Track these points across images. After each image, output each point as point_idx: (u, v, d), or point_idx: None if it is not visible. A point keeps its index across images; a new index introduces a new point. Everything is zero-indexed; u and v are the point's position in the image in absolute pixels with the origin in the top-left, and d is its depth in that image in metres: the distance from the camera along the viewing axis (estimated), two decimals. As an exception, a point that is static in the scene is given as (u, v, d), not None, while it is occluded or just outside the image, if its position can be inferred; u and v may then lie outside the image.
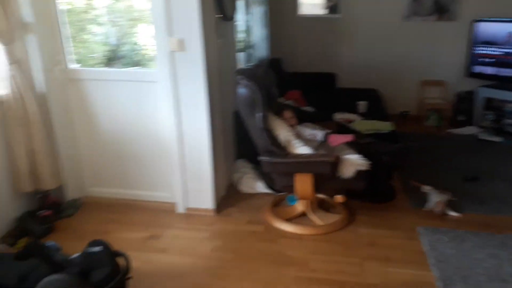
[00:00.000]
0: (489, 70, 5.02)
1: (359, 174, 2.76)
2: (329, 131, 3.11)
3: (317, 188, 2.91)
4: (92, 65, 3.36)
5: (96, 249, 2.07)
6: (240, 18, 4.27)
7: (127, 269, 2.08)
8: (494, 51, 4.94)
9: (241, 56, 4.23)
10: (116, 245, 2.57)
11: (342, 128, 3.74)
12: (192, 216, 3.11)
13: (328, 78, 5.45)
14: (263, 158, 2.82)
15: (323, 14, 5.51)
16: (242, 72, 2.80)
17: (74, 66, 3.10)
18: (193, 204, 3.13)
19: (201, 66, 2.78)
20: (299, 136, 2.91)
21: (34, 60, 2.87)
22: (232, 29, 3.63)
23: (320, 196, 3.26)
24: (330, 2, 5.43)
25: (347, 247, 2.71)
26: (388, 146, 3.34)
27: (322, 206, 3.13)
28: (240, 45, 4.21)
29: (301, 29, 5.60)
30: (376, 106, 4.67)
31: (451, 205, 3.12)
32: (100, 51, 3.42)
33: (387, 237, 2.81)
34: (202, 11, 2.70)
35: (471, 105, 5.12)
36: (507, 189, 3.48)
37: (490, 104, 4.97)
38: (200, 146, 2.98)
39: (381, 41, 5.45)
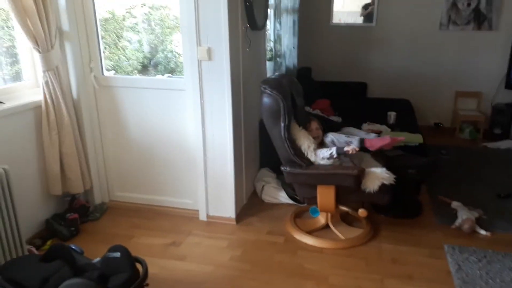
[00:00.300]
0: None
1: (384, 188, 2.69)
2: (371, 134, 3.04)
3: (340, 200, 2.86)
4: (128, 72, 3.44)
5: (116, 254, 2.11)
6: (270, 27, 4.28)
7: (144, 276, 2.11)
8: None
9: (270, 65, 4.24)
10: (138, 251, 2.64)
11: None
12: (213, 224, 3.13)
13: (358, 88, 5.38)
14: (285, 169, 2.81)
15: (356, 23, 5.45)
16: (266, 81, 2.79)
17: (108, 73, 3.20)
18: (215, 212, 3.15)
19: (227, 75, 2.81)
20: (321, 147, 2.87)
21: (69, 67, 2.98)
22: (262, 38, 3.64)
23: (344, 208, 3.22)
24: (366, 10, 5.36)
25: (369, 263, 2.65)
26: (416, 159, 3.24)
27: (346, 219, 3.08)
28: (269, 54, 4.22)
29: (332, 38, 5.56)
30: (408, 117, 4.56)
31: (481, 223, 3.00)
32: (135, 59, 3.51)
33: (411, 254, 2.73)
34: (231, 21, 2.73)
35: (509, 118, 4.91)
36: (544, 208, 3.31)
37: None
38: (223, 154, 3.00)
39: (415, 50, 5.33)
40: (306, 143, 2.78)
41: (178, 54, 3.39)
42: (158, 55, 3.53)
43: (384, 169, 2.76)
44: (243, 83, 3.07)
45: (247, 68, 3.14)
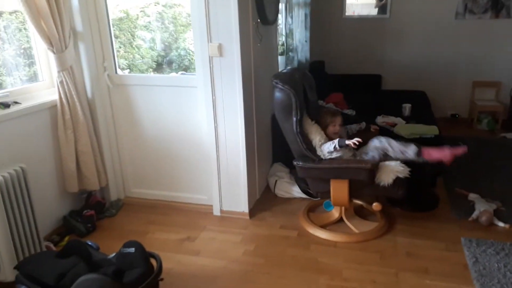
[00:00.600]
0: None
1: (399, 181, 2.66)
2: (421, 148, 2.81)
3: (354, 194, 2.84)
4: (142, 71, 3.48)
5: (130, 250, 2.14)
6: (281, 21, 4.26)
7: (158, 271, 2.14)
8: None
9: (282, 60, 4.22)
10: (154, 246, 2.68)
11: (384, 132, 3.63)
12: (227, 219, 3.15)
13: (373, 80, 5.32)
14: (297, 163, 2.80)
15: (370, 15, 5.38)
16: (278, 76, 2.78)
17: (122, 72, 3.24)
18: (228, 207, 3.17)
19: (238, 71, 2.81)
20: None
21: (83, 66, 3.02)
22: (273, 33, 3.63)
23: (358, 202, 3.20)
24: (381, 2, 5.29)
25: (383, 257, 2.63)
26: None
27: (360, 213, 3.06)
28: (281, 48, 4.21)
29: (346, 31, 5.50)
30: (423, 109, 4.50)
31: (499, 215, 2.95)
32: (150, 57, 3.54)
33: (427, 248, 2.70)
34: (241, 16, 2.73)
35: (529, 108, 4.80)
36: None
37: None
38: (236, 150, 3.01)
39: (431, 40, 5.23)
40: (317, 138, 2.77)
41: (192, 51, 3.40)
42: (172, 53, 3.55)
43: (398, 162, 2.73)
44: (254, 78, 3.07)
45: (258, 63, 3.13)
